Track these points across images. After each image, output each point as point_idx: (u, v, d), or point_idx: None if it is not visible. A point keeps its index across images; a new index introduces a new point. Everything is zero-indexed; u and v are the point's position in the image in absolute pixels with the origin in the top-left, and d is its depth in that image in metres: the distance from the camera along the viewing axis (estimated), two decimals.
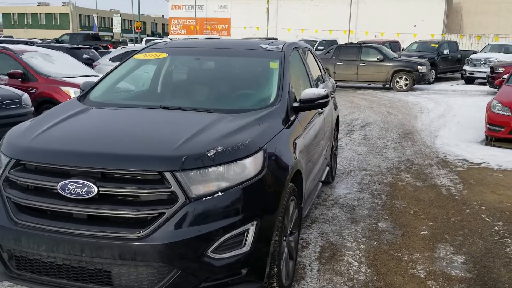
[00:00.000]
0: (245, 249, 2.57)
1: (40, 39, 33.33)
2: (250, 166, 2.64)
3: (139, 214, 2.42)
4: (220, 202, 2.50)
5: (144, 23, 76.80)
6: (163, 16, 64.12)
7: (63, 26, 68.03)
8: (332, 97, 5.36)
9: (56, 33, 40.16)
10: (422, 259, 3.77)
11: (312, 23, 29.47)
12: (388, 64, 16.85)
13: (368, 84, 18.39)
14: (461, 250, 3.94)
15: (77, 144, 2.67)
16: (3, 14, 72.69)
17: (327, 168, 5.24)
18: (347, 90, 18.05)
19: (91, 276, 2.48)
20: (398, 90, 16.78)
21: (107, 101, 3.56)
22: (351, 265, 3.66)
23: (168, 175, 2.43)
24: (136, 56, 4.17)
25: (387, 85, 17.47)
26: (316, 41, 23.99)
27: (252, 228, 2.59)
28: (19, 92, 7.00)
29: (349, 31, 28.92)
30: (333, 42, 23.47)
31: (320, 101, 3.57)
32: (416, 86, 17.33)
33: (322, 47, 22.70)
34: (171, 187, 2.43)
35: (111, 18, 60.30)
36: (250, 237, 2.58)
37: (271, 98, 3.46)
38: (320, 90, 3.60)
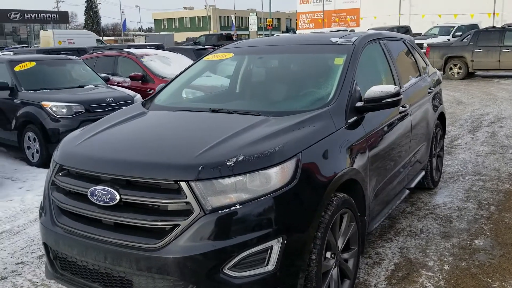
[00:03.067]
0: (269, 267, 2.34)
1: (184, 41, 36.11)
2: (276, 176, 2.40)
3: (155, 225, 2.34)
4: (238, 215, 2.30)
5: (278, 19, 78.36)
6: (296, 11, 64.64)
7: (205, 27, 72.67)
8: (430, 92, 4.75)
9: (198, 35, 43.06)
10: None
11: (450, 6, 26.92)
12: None
13: None
14: None
15: (108, 151, 2.70)
16: (155, 20, 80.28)
17: (422, 173, 4.67)
18: (487, 79, 16.22)
19: (116, 283, 2.49)
20: None
21: (168, 104, 3.57)
22: None
23: (183, 184, 2.32)
24: (205, 58, 4.14)
25: None
26: (454, 27, 21.94)
27: (277, 245, 2.35)
28: (131, 93, 7.54)
29: (493, 14, 25.79)
30: (474, 26, 21.19)
31: (389, 100, 3.15)
32: None
33: (460, 33, 20.65)
34: (186, 197, 2.31)
35: (248, 17, 62.69)
36: (274, 254, 2.34)
37: (328, 98, 3.14)
38: (389, 88, 3.17)
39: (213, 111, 3.19)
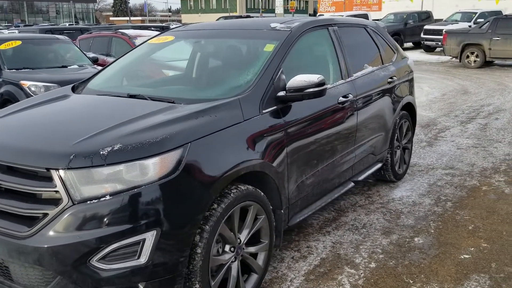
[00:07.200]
0: (141, 260, 2.27)
1: None
2: (155, 167, 2.31)
3: (24, 212, 2.30)
4: (107, 207, 2.23)
5: (306, 2, 77.12)
6: None
7: (232, 9, 72.16)
8: (391, 81, 4.53)
9: (217, 17, 42.74)
10: None
11: None
12: None
13: None
14: (500, 287, 3.00)
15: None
16: (182, 1, 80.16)
17: (378, 165, 4.50)
18: (505, 69, 15.58)
19: None
20: None
21: (99, 88, 3.50)
22: (342, 287, 3.05)
23: (54, 173, 2.26)
24: (149, 41, 4.05)
25: None
26: (476, 13, 21.10)
27: (150, 238, 2.27)
28: None
29: None
30: (497, 13, 20.31)
31: (311, 89, 3.00)
32: None
33: (482, 19, 19.86)
34: (56, 186, 2.25)
35: None
36: (147, 248, 2.27)
37: (245, 86, 3.02)
38: (313, 77, 3.02)
39: (131, 96, 3.12)
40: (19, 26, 32.14)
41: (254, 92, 2.94)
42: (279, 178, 2.97)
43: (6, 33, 14.40)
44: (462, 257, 3.38)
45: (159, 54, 3.90)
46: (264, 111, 2.93)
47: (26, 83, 6.70)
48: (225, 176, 2.54)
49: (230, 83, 3.19)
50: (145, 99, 3.03)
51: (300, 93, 3.02)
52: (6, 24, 49.49)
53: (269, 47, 3.29)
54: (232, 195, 2.60)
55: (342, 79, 3.81)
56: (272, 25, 3.60)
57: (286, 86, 3.04)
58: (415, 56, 19.91)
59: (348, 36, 4.15)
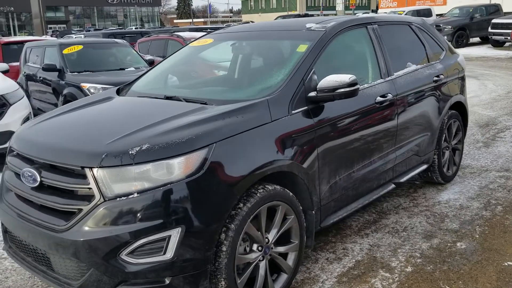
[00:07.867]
0: (167, 256, 2.37)
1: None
2: (180, 167, 2.40)
3: (60, 207, 2.47)
4: (135, 204, 2.34)
5: None
6: None
7: (292, 8, 72.00)
8: (437, 80, 4.36)
9: (275, 16, 42.82)
10: None
11: None
12: None
13: None
14: None
15: (42, 135, 2.85)
16: (242, 2, 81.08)
17: (423, 167, 4.35)
18: None
19: (41, 260, 2.66)
20: None
21: (141, 90, 3.65)
22: None
23: (87, 171, 2.41)
24: (191, 44, 4.18)
25: None
26: None
27: (175, 235, 2.36)
28: None
29: None
30: None
31: (342, 90, 2.98)
32: None
33: None
34: (89, 183, 2.40)
35: None
36: (173, 244, 2.36)
37: (276, 86, 3.04)
38: (344, 77, 2.99)
39: (167, 98, 3.24)
40: (89, 31, 33.98)
41: (284, 92, 2.96)
42: (309, 179, 2.97)
43: (73, 37, 15.27)
44: (506, 264, 3.22)
45: (199, 56, 4.01)
46: (293, 111, 2.94)
47: (86, 85, 7.09)
48: (250, 176, 2.58)
49: (262, 84, 3.22)
50: (180, 100, 3.14)
51: (331, 94, 3.00)
52: (78, 29, 52.32)
53: (302, 48, 3.29)
54: (258, 194, 2.64)
55: (381, 78, 3.73)
56: (308, 25, 3.59)
57: (317, 87, 3.03)
58: (481, 51, 18.96)
59: (390, 34, 4.06)
